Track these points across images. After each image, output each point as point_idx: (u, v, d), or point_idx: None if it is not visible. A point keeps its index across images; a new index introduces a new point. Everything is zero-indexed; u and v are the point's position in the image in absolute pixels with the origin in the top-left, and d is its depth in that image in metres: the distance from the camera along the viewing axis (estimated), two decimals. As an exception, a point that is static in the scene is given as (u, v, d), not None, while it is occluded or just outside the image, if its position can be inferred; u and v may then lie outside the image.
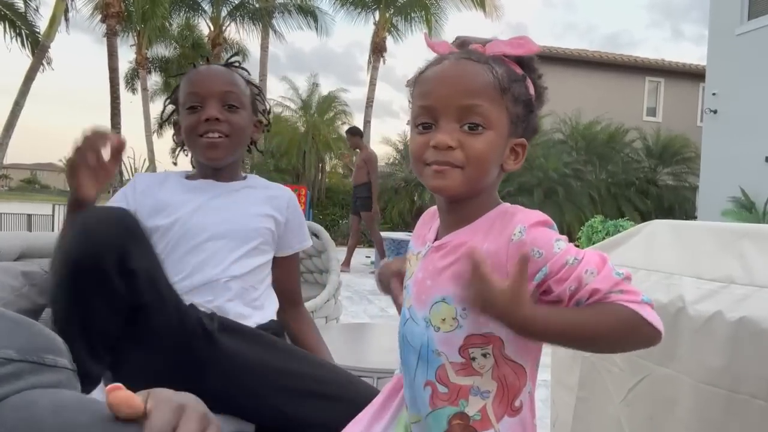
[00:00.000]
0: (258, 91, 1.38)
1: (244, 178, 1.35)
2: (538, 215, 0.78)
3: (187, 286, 1.14)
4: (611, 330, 0.73)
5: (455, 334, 0.80)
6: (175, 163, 1.77)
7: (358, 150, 7.63)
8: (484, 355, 0.79)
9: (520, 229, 0.76)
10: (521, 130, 0.83)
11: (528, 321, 0.72)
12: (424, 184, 0.83)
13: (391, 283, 0.98)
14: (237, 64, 1.36)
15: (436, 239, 0.87)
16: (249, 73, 1.39)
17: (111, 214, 1.00)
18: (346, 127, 19.79)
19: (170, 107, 1.37)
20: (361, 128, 15.41)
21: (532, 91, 0.83)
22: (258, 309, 1.25)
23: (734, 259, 1.17)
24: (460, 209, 0.84)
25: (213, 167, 1.27)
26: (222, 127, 1.21)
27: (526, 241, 0.75)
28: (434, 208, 0.97)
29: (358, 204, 7.35)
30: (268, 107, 1.44)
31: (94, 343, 0.94)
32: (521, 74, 0.82)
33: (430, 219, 0.94)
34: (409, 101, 0.86)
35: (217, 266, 1.18)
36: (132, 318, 0.99)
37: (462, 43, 0.85)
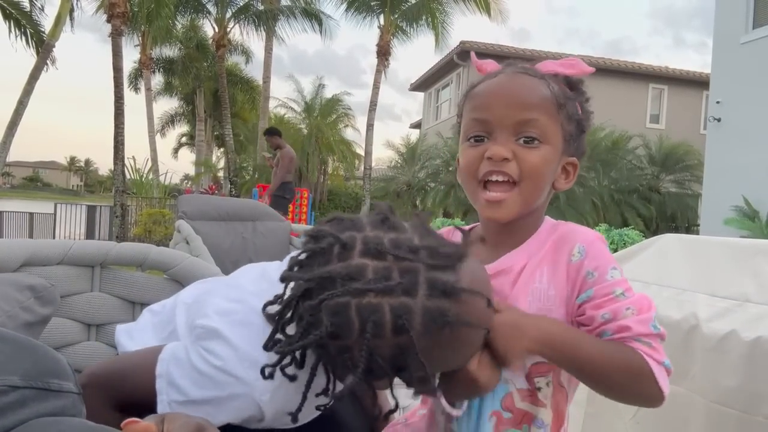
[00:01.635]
0: None
1: None
2: (595, 233, 0.78)
3: None
4: (618, 370, 0.71)
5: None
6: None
7: (278, 150, 7.52)
8: (547, 384, 0.79)
9: (579, 249, 0.75)
10: (573, 149, 0.82)
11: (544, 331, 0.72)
12: (477, 209, 0.81)
13: None
14: None
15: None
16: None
17: None
18: (349, 131, 19.90)
19: None
20: (365, 131, 15.51)
21: (580, 112, 0.83)
22: None
23: (749, 277, 1.15)
24: (511, 230, 0.82)
25: None
26: None
27: (585, 262, 0.74)
28: (447, 230, 0.94)
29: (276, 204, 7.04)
30: None
31: None
32: (572, 94, 0.82)
33: None
34: (459, 116, 0.84)
35: None
36: None
37: (509, 63, 0.84)
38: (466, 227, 0.93)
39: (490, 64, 0.85)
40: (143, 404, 0.76)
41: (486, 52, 15.62)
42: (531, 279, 0.78)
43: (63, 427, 0.44)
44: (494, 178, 0.76)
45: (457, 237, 0.92)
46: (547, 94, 0.77)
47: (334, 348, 0.65)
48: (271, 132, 7.69)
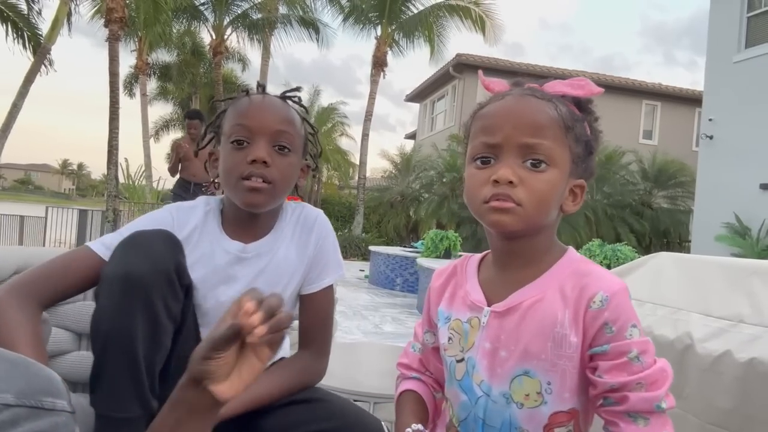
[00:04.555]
0: (313, 131, 1.24)
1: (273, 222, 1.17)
2: (619, 282, 0.75)
3: None
4: None
5: (540, 411, 0.76)
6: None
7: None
8: None
9: (601, 298, 0.73)
10: (581, 171, 0.81)
11: None
12: (481, 220, 0.78)
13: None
14: (296, 99, 1.19)
15: (487, 301, 0.82)
16: (306, 111, 1.22)
17: (160, 231, 1.01)
18: (344, 140, 19.91)
19: (209, 134, 1.19)
20: (359, 142, 15.56)
21: (589, 133, 0.82)
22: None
23: (743, 297, 1.16)
24: (517, 249, 0.80)
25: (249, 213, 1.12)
26: (268, 172, 1.05)
27: (605, 313, 0.72)
28: (442, 269, 0.93)
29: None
30: (318, 150, 1.29)
31: (153, 371, 0.92)
32: (580, 115, 0.81)
33: (449, 278, 0.90)
34: (465, 137, 0.83)
35: None
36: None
37: (517, 82, 0.84)
38: (480, 255, 0.91)
39: (498, 84, 0.84)
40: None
41: (481, 65, 15.73)
42: (550, 321, 0.75)
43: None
44: (500, 205, 0.75)
45: (474, 263, 0.90)
46: (554, 116, 0.76)
47: None
48: (194, 115, 5.58)
